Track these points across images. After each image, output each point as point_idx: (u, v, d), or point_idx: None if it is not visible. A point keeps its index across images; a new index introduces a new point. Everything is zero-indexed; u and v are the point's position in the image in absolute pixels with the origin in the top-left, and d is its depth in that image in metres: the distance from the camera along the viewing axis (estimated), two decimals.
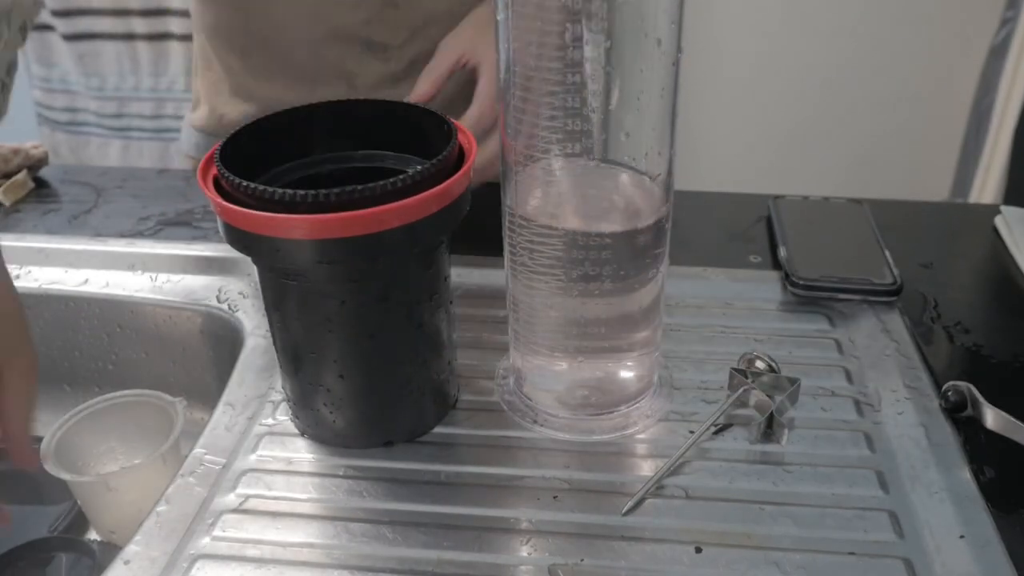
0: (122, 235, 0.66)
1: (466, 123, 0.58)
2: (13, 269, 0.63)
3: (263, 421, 0.48)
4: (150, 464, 0.50)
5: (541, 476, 0.44)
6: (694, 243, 0.63)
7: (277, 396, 0.50)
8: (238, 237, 0.40)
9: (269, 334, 0.46)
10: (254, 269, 0.43)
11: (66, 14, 1.55)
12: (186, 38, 1.52)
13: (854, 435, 0.46)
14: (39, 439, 0.51)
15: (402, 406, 0.45)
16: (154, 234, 0.66)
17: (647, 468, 0.44)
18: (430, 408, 0.47)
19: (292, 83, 0.72)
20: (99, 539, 0.54)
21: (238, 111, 0.76)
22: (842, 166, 1.70)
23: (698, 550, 0.40)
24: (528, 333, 0.46)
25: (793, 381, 0.47)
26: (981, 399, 0.46)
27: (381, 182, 0.38)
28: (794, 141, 1.71)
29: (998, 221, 0.66)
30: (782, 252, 0.60)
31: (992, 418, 0.45)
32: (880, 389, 0.49)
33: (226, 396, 0.50)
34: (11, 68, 0.57)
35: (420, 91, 0.62)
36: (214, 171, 0.41)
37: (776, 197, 0.68)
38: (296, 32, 0.70)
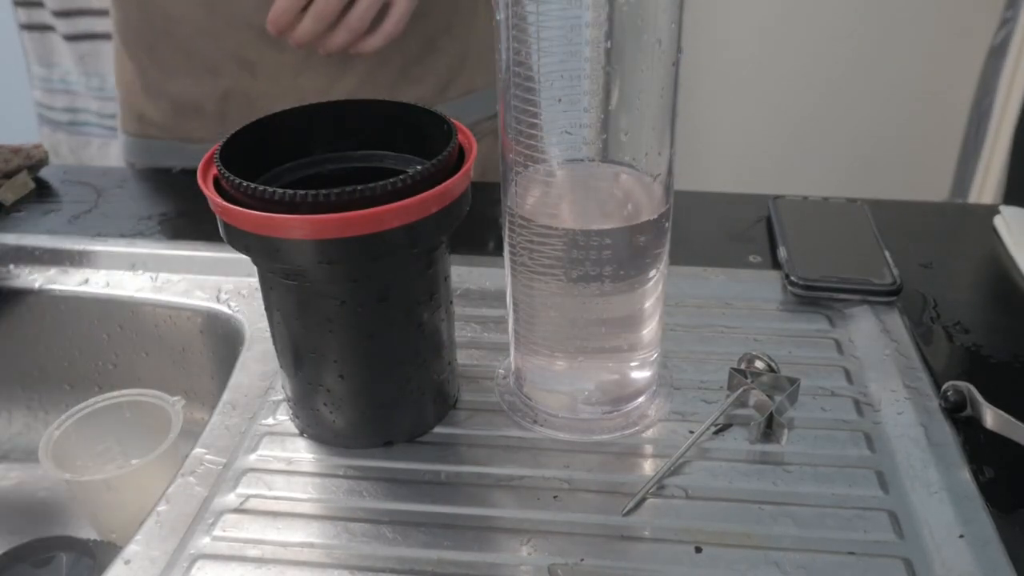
0: (122, 235, 0.66)
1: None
2: (13, 269, 0.63)
3: (263, 421, 0.48)
4: (149, 464, 0.50)
5: (541, 476, 0.44)
6: (694, 243, 0.63)
7: (277, 396, 0.50)
8: (238, 237, 0.40)
9: (269, 334, 0.46)
10: (254, 269, 0.43)
11: (66, 14, 1.55)
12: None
13: (854, 435, 0.46)
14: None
15: (402, 406, 0.46)
16: (154, 234, 0.66)
17: (647, 468, 0.44)
18: (430, 408, 0.47)
19: (197, 76, 0.74)
20: (99, 539, 0.54)
21: (154, 109, 0.77)
22: (842, 166, 1.70)
23: (698, 550, 0.40)
24: (528, 333, 0.46)
25: (793, 381, 0.47)
26: (981, 399, 0.46)
27: (381, 182, 0.38)
28: (794, 141, 1.71)
29: (998, 221, 0.66)
30: (782, 252, 0.60)
31: (992, 418, 0.45)
32: (880, 389, 0.49)
33: (226, 396, 0.50)
34: None
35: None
36: (214, 171, 0.41)
37: (776, 197, 0.68)
38: (194, 23, 0.71)
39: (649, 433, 0.46)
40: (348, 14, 0.64)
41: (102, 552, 0.51)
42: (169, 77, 0.75)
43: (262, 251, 0.40)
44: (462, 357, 0.51)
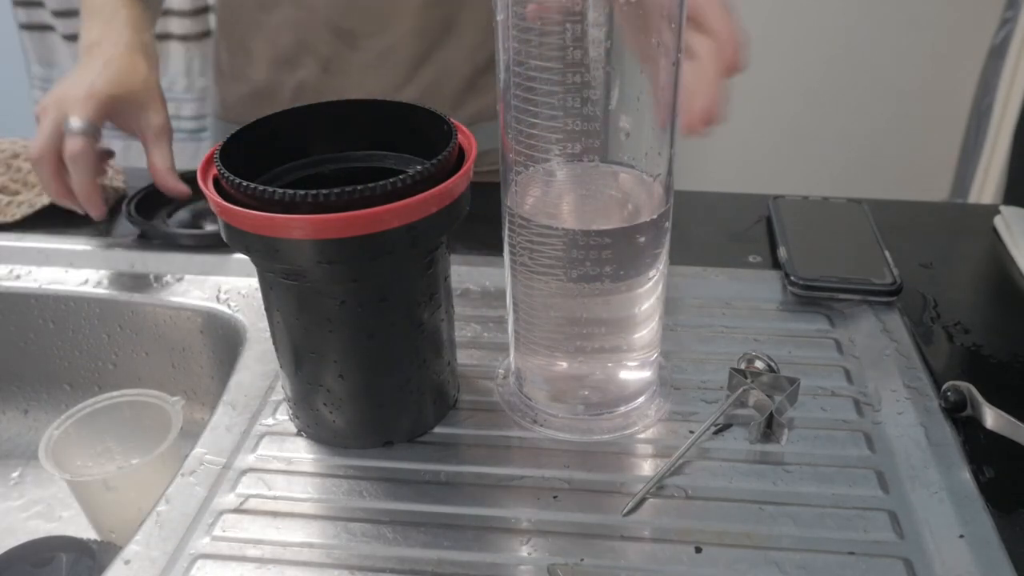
0: (123, 235, 0.66)
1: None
2: (13, 269, 0.63)
3: (263, 421, 0.48)
4: (149, 464, 0.50)
5: (541, 476, 0.44)
6: (694, 243, 0.63)
7: (277, 396, 0.50)
8: (238, 237, 0.40)
9: (269, 334, 0.46)
10: (254, 269, 0.43)
11: (66, 14, 1.55)
12: (186, 38, 1.52)
13: (854, 435, 0.46)
14: None
15: (402, 406, 0.46)
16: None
17: (647, 468, 0.44)
18: (430, 408, 0.47)
19: (275, 65, 0.77)
20: (99, 539, 0.54)
21: (233, 94, 0.80)
22: (842, 166, 1.70)
23: (698, 550, 0.40)
24: (528, 333, 0.46)
25: (792, 381, 0.47)
26: (981, 399, 0.46)
27: (381, 182, 0.38)
28: (794, 141, 1.71)
29: (998, 221, 0.66)
30: (782, 252, 0.60)
31: (992, 418, 0.45)
32: (880, 389, 0.49)
33: (226, 396, 0.50)
34: None
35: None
36: (214, 171, 0.41)
37: (776, 197, 0.68)
38: (280, 15, 0.75)
39: (649, 433, 0.46)
40: None
41: (102, 552, 0.51)
42: (252, 63, 0.78)
43: (262, 251, 0.40)
44: (462, 357, 0.51)
